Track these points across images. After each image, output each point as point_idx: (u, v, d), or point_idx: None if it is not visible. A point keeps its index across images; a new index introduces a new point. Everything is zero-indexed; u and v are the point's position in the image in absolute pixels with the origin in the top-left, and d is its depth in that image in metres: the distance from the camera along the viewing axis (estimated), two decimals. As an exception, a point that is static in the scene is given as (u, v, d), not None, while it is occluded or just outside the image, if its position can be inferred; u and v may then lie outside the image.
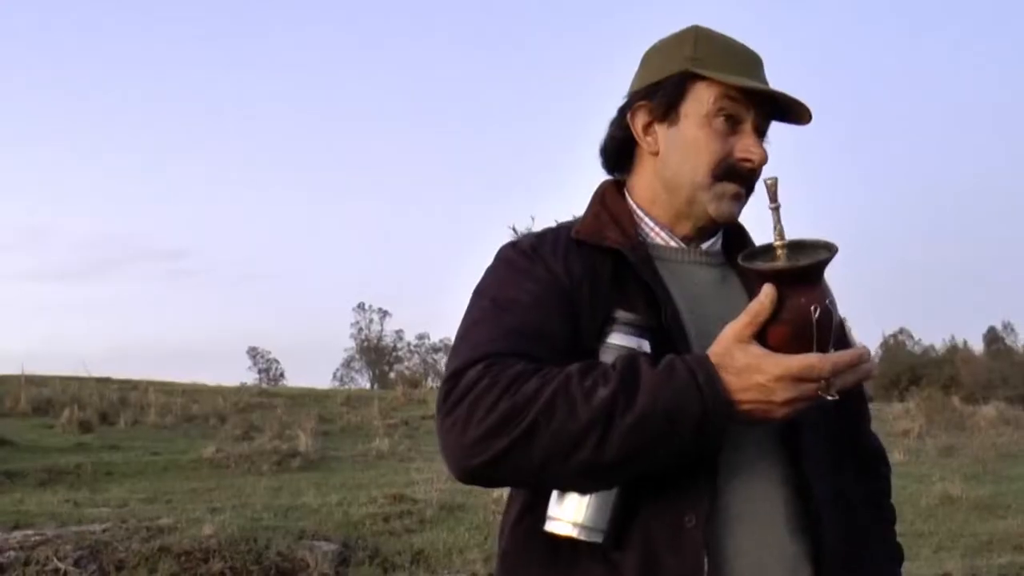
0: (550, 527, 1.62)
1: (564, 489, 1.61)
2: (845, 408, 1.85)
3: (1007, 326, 64.81)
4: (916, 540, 9.72)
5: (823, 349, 1.50)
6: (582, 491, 1.60)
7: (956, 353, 51.27)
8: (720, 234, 1.92)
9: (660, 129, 1.84)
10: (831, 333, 1.52)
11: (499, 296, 1.74)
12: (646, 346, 1.65)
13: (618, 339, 1.64)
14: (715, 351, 1.55)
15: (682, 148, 1.81)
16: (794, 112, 1.80)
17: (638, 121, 1.87)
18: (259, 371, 58.11)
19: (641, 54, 1.92)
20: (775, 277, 1.52)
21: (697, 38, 1.83)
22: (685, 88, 1.80)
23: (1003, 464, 15.38)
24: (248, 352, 59.15)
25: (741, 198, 1.81)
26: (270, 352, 58.41)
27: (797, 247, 1.56)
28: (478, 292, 1.79)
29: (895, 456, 15.57)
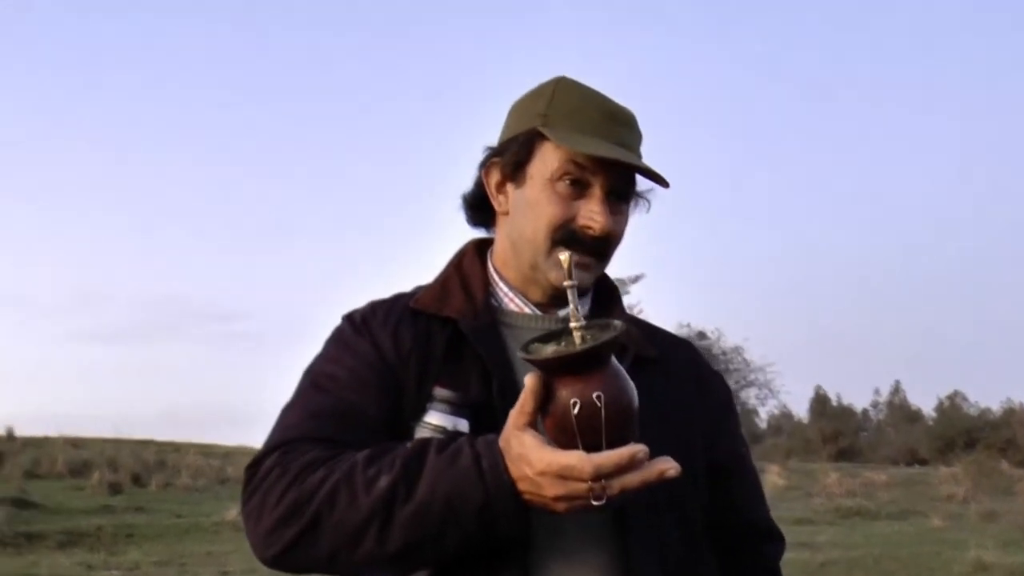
0: None
1: None
2: (719, 483, 1.79)
3: (1067, 387, 64.04)
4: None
5: (592, 448, 1.36)
6: None
7: (1013, 415, 50.54)
8: (587, 298, 1.81)
9: (510, 188, 1.75)
10: (602, 431, 1.37)
11: (319, 373, 1.70)
12: (463, 425, 1.57)
13: (434, 418, 1.58)
14: (501, 436, 1.46)
15: (525, 209, 1.72)
16: (651, 174, 1.68)
17: (492, 179, 1.78)
18: (309, 433, 58.29)
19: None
20: (540, 367, 1.40)
21: (555, 92, 1.73)
22: (533, 148, 1.71)
23: (1046, 531, 15.02)
24: (298, 414, 59.35)
25: (587, 267, 1.69)
26: (320, 414, 58.62)
27: (599, 328, 1.43)
28: (306, 368, 1.74)
29: (933, 521, 15.31)
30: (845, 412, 57.32)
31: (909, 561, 11.68)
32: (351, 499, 1.46)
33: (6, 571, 9.80)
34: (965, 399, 56.61)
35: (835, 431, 46.74)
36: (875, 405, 66.94)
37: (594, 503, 1.38)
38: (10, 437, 23.42)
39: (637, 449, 1.37)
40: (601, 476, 1.35)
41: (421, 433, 1.57)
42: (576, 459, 1.35)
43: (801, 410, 58.52)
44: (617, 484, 1.36)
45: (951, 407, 55.33)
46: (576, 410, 1.35)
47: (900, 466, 34.63)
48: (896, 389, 67.34)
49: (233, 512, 14.47)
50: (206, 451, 23.45)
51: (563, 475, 1.37)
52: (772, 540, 1.92)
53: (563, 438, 1.38)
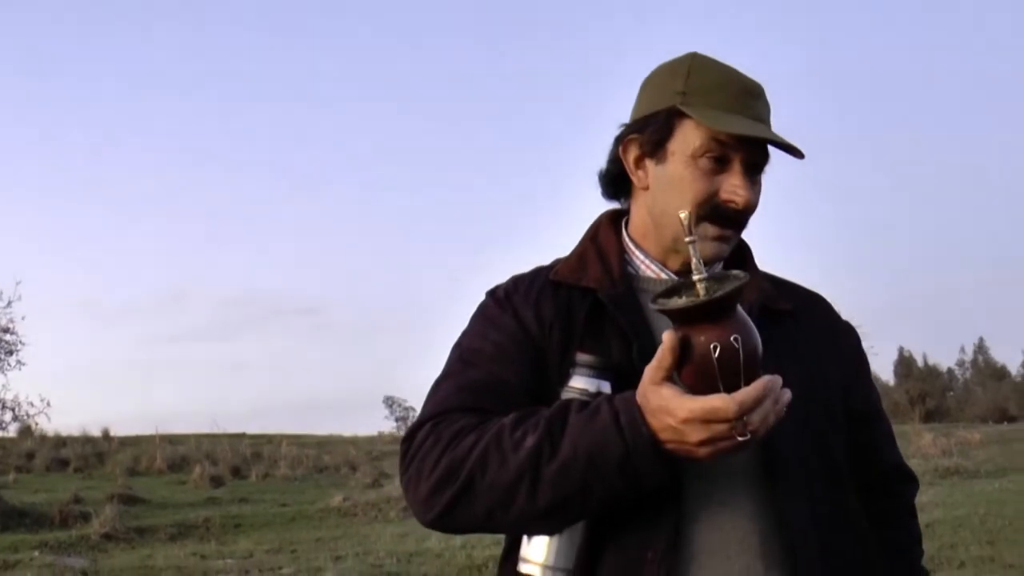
0: (521, 568, 1.63)
1: (520, 533, 1.64)
2: (858, 428, 1.87)
3: None
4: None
5: (731, 389, 1.45)
6: (539, 533, 1.61)
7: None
8: (720, 263, 1.85)
9: (649, 164, 1.80)
10: (741, 371, 1.45)
11: (467, 348, 1.79)
12: (606, 387, 1.63)
13: (578, 382, 1.63)
14: (637, 391, 1.53)
15: (668, 186, 1.77)
16: (786, 147, 1.74)
17: (629, 155, 1.83)
18: (396, 419, 58.05)
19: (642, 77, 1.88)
20: (676, 316, 1.48)
21: (691, 70, 1.78)
22: (673, 125, 1.76)
23: None
24: (384, 401, 59.17)
25: (727, 239, 1.77)
26: (406, 400, 58.31)
27: (719, 280, 1.50)
28: (455, 343, 1.83)
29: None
30: (931, 372, 56.69)
31: (1015, 518, 11.54)
32: (501, 460, 1.55)
33: (124, 564, 10.00)
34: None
35: (922, 392, 46.12)
36: (961, 364, 66.23)
37: (740, 439, 1.45)
38: (106, 437, 23.76)
39: (770, 379, 1.45)
40: (744, 412, 1.43)
41: (566, 396, 1.62)
42: (719, 400, 1.43)
43: (886, 372, 57.93)
44: (757, 417, 1.44)
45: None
46: (716, 353, 1.43)
47: (990, 424, 34.17)
48: (980, 346, 66.53)
49: (337, 499, 14.68)
50: (299, 441, 23.66)
51: (708, 418, 1.44)
52: (908, 480, 2.02)
53: (703, 383, 1.45)
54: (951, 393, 57.39)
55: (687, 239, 1.50)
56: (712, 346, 1.44)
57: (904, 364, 57.28)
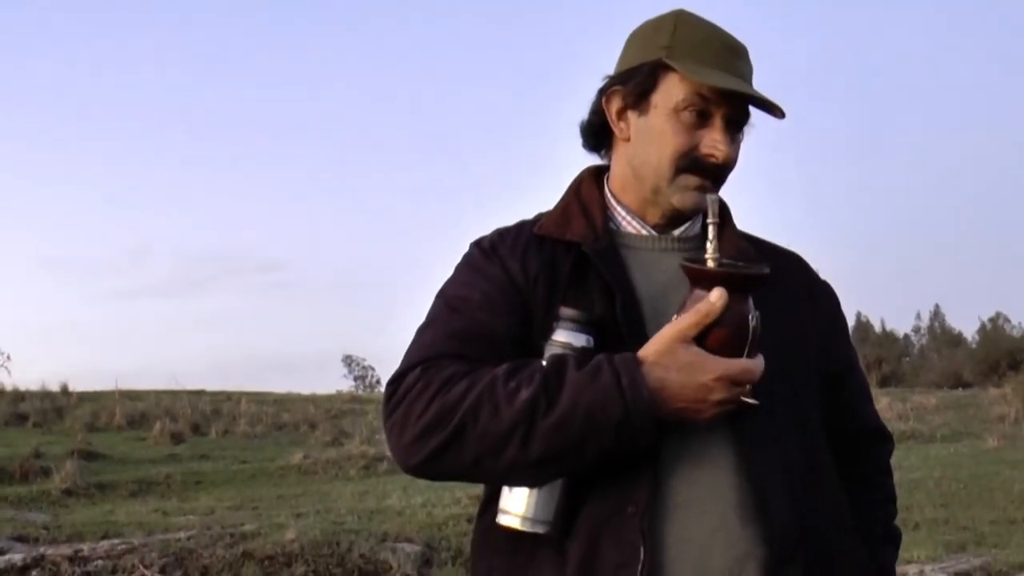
0: (500, 519, 1.68)
1: (504, 484, 1.67)
2: (834, 387, 1.92)
3: (1110, 307, 63.45)
4: (1008, 527, 9.54)
5: (752, 356, 1.58)
6: (524, 485, 1.65)
7: (1058, 336, 50.04)
8: (699, 217, 1.89)
9: (632, 116, 1.84)
10: (759, 343, 1.58)
11: (452, 296, 1.80)
12: (590, 341, 1.67)
13: (562, 336, 1.67)
14: (655, 348, 1.58)
15: (649, 137, 1.80)
16: (767, 105, 1.78)
17: (612, 106, 1.86)
18: (355, 378, 57.78)
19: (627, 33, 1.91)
20: (725, 280, 1.56)
21: (677, 25, 1.81)
22: (657, 78, 1.79)
23: (1101, 448, 15.00)
24: (343, 360, 58.94)
25: (707, 190, 1.79)
26: (365, 359, 58.12)
27: (729, 264, 1.61)
28: (439, 291, 1.84)
29: (988, 442, 15.33)
30: (888, 338, 57.03)
31: (969, 482, 11.71)
32: (494, 410, 1.57)
33: (86, 519, 9.96)
34: (1008, 320, 56.24)
35: (879, 357, 46.38)
36: (917, 330, 66.65)
37: (751, 402, 1.57)
38: (65, 392, 23.62)
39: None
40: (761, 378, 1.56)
41: (550, 351, 1.66)
42: (751, 364, 1.56)
43: (844, 337, 58.00)
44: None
45: (993, 329, 54.93)
46: (755, 323, 1.55)
47: (945, 389, 34.45)
48: (936, 313, 67.01)
49: (297, 456, 14.69)
50: (258, 399, 23.58)
51: (740, 379, 1.54)
52: (884, 440, 2.07)
53: (727, 348, 1.56)
54: (907, 359, 57.75)
55: (709, 221, 1.59)
56: (752, 315, 1.56)
57: (861, 329, 57.49)
